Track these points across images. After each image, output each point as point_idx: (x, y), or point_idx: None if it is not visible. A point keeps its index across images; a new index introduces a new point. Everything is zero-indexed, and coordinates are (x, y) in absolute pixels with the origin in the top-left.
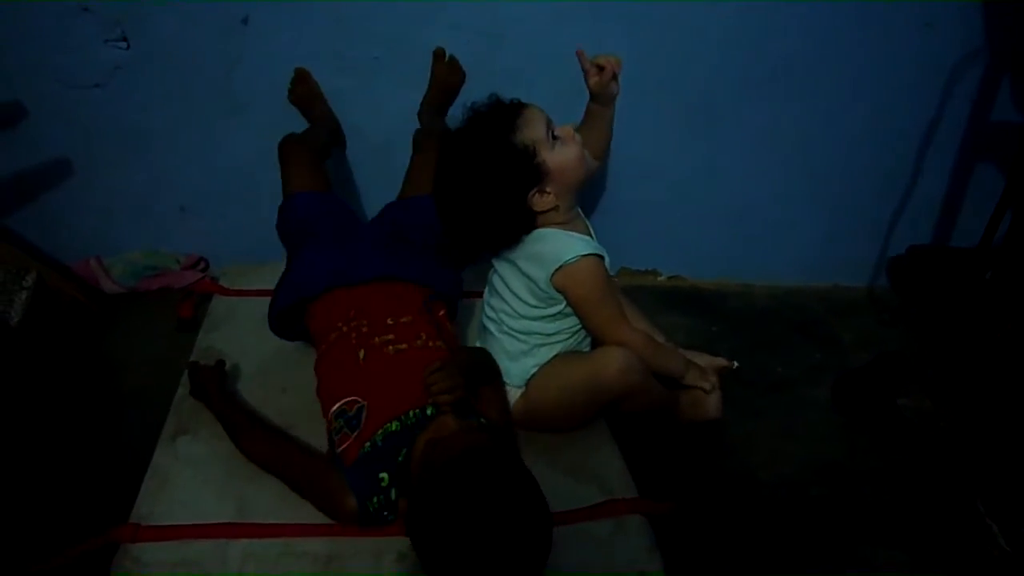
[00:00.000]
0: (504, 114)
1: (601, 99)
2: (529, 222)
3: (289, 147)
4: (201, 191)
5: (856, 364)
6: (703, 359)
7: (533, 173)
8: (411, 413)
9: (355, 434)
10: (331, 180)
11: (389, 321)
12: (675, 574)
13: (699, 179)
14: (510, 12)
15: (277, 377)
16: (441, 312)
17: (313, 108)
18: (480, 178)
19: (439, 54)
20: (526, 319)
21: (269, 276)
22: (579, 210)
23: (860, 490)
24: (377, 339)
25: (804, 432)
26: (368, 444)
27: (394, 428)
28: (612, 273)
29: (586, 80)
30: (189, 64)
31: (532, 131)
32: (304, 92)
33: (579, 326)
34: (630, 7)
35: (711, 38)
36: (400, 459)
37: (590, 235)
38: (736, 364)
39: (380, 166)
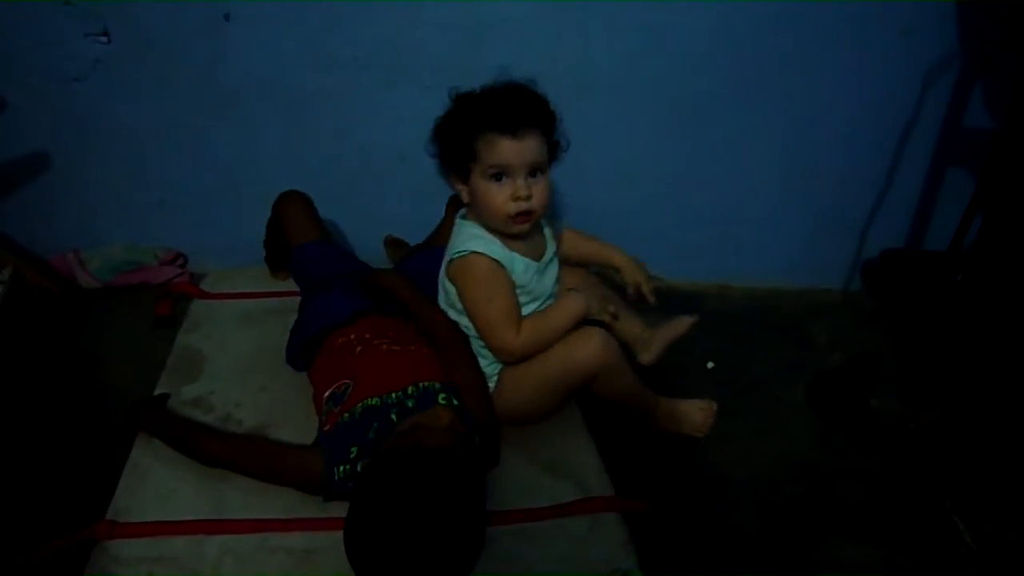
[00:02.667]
0: (499, 107)
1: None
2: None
3: (284, 202)
4: (181, 186)
5: (831, 365)
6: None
7: (459, 165)
8: (393, 395)
9: (338, 408)
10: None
11: (391, 333)
12: (650, 572)
13: (678, 181)
14: (495, 11)
15: (256, 377)
16: None
17: None
18: (444, 124)
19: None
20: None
21: (250, 280)
22: (541, 228)
23: (833, 489)
24: (376, 341)
25: (779, 431)
26: (347, 415)
27: (373, 403)
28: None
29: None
30: (170, 59)
31: (494, 152)
32: None
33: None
34: (614, 8)
35: (692, 42)
36: (370, 435)
37: (534, 254)
38: (712, 364)
39: (362, 165)
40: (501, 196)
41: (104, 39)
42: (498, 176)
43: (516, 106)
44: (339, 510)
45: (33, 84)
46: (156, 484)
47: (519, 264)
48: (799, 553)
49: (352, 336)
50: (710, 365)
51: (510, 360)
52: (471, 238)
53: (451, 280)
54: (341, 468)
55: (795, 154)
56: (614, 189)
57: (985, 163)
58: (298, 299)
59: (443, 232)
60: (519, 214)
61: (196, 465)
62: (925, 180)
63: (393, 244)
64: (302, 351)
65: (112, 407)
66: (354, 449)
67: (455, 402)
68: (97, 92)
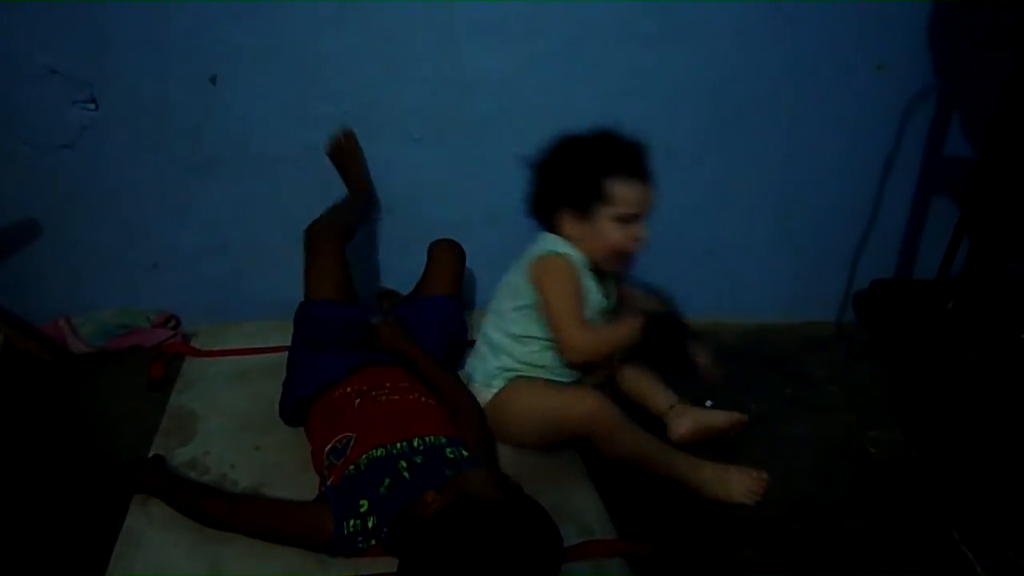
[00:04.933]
0: (635, 156)
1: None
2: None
3: (316, 238)
4: (172, 248)
5: (828, 398)
6: (719, 415)
7: (582, 203)
8: (399, 444)
9: (341, 461)
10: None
11: (388, 384)
12: None
13: (667, 219)
14: (478, 64)
15: (250, 436)
16: None
17: (350, 169)
18: (566, 164)
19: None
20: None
21: (242, 336)
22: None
23: (837, 522)
24: (374, 392)
25: (780, 467)
26: (352, 467)
27: (378, 454)
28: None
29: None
30: (158, 123)
31: (629, 198)
32: (344, 151)
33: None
34: (595, 54)
35: (674, 81)
36: (382, 491)
37: (606, 292)
38: (710, 403)
39: None
40: (624, 236)
41: (91, 106)
42: (626, 219)
43: (646, 156)
44: (338, 568)
45: (22, 152)
46: (151, 550)
47: (591, 283)
48: None
49: (349, 389)
50: (708, 404)
51: (573, 357)
52: (558, 243)
53: (534, 274)
54: (351, 522)
55: (781, 190)
56: None
57: (967, 190)
58: None
59: (429, 280)
60: (630, 254)
61: (191, 529)
62: (910, 210)
63: (387, 296)
64: (297, 407)
65: (107, 473)
66: (364, 503)
67: (464, 453)
68: (86, 158)
